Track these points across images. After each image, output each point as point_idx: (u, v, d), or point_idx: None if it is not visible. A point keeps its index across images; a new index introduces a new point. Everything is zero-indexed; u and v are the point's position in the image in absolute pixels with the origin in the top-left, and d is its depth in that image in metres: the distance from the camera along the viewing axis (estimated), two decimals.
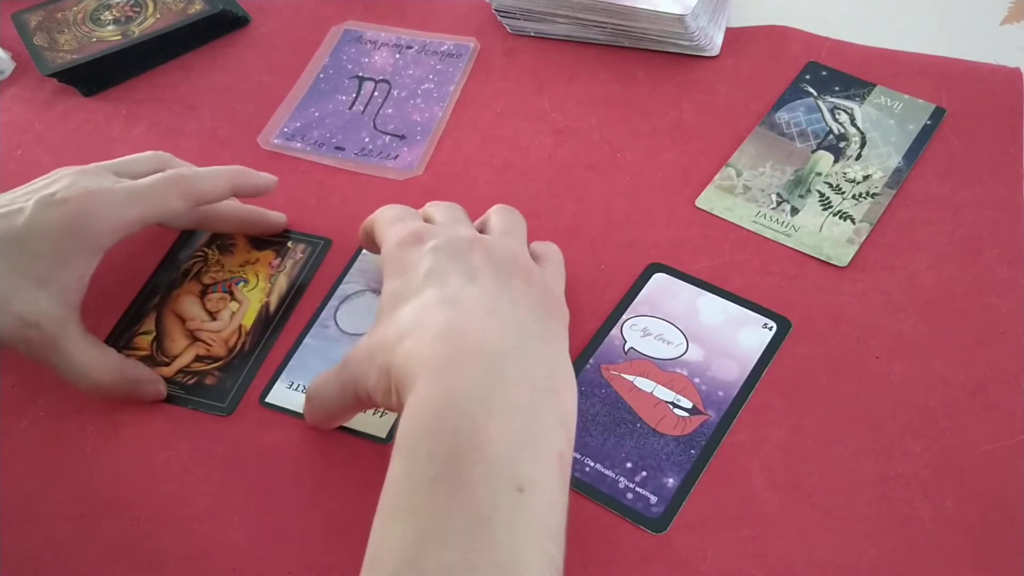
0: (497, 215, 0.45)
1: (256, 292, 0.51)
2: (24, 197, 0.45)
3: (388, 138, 0.57)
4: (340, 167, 0.56)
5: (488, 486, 0.32)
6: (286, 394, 0.46)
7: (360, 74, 0.61)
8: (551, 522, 0.33)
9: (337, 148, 0.57)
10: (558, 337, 0.39)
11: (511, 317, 0.37)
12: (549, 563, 0.32)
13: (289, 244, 0.53)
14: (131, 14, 0.66)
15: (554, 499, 0.33)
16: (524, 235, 0.45)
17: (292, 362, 0.48)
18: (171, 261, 0.53)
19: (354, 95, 0.60)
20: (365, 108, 0.59)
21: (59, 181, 0.46)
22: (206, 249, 0.53)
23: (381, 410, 0.45)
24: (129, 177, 0.47)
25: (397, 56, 0.62)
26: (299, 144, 0.58)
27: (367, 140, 0.57)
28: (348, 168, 0.56)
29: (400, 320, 0.38)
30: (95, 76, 0.63)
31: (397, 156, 0.56)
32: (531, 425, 0.34)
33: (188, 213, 0.49)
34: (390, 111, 0.59)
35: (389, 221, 0.44)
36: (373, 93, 0.60)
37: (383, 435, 0.44)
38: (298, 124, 0.59)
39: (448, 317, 0.37)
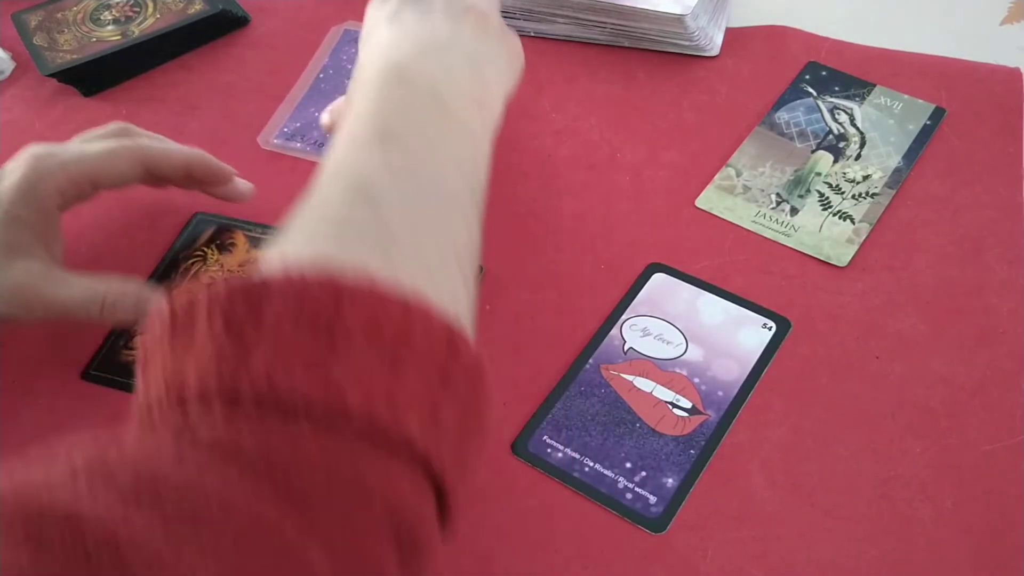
0: None
1: None
2: None
3: None
4: None
5: (419, 107, 0.37)
6: None
7: None
8: (469, 152, 0.38)
9: None
10: (496, 58, 0.44)
11: (446, 37, 0.42)
12: (468, 173, 0.37)
13: None
14: (131, 14, 0.66)
15: (473, 138, 0.39)
16: (497, 2, 0.48)
17: None
18: (171, 260, 0.53)
19: None
20: None
21: (16, 158, 0.47)
22: (205, 248, 0.53)
23: None
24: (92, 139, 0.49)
25: None
26: (299, 144, 0.58)
27: None
28: None
29: (361, 51, 0.43)
30: (95, 76, 0.63)
31: None
32: (453, 79, 0.40)
33: (141, 180, 0.50)
34: None
35: None
36: None
37: None
38: (298, 124, 0.59)
39: (392, 42, 0.41)
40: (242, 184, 0.53)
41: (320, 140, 0.58)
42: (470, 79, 0.41)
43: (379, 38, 0.43)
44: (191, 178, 0.51)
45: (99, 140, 0.50)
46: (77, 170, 0.47)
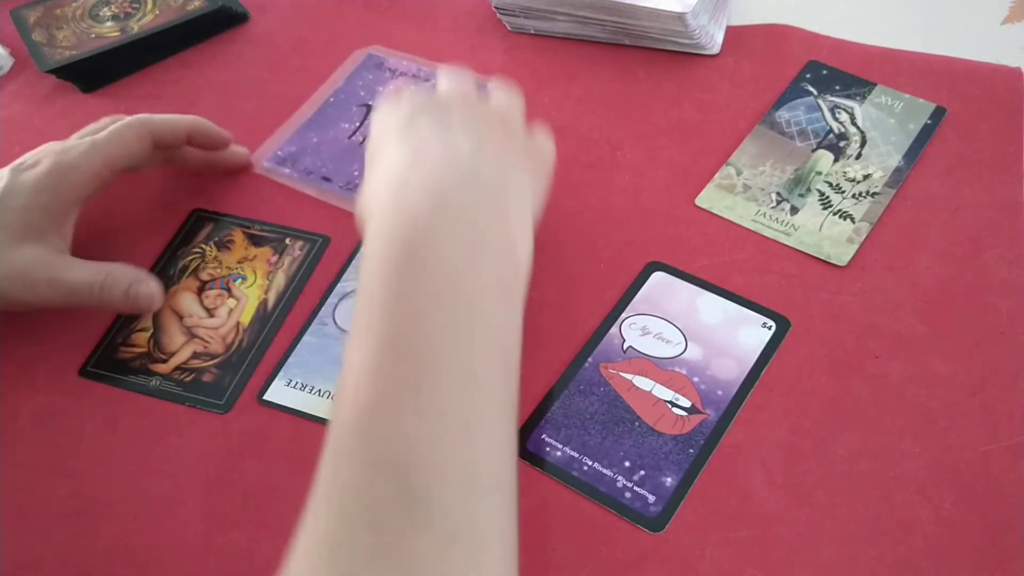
0: (496, 85, 0.48)
1: (254, 289, 0.51)
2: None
3: None
4: (322, 199, 0.54)
5: (437, 308, 0.35)
6: (284, 391, 0.46)
7: (370, 103, 0.59)
8: (502, 340, 0.35)
9: (324, 179, 0.55)
10: (523, 186, 0.41)
11: (468, 162, 0.40)
12: (501, 374, 0.34)
13: (287, 241, 0.53)
14: (130, 10, 0.66)
15: (504, 322, 0.36)
16: (520, 103, 0.47)
17: (290, 359, 0.47)
18: (169, 257, 0.53)
19: (358, 124, 0.58)
20: (364, 140, 0.57)
21: (29, 154, 0.50)
22: (204, 246, 0.53)
23: None
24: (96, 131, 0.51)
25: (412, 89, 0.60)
26: (287, 170, 0.56)
27: (356, 174, 0.55)
28: (330, 202, 0.54)
29: (367, 171, 0.43)
30: (94, 72, 0.63)
31: None
32: (474, 243, 0.37)
33: (151, 156, 0.52)
34: None
35: (389, 87, 0.48)
36: None
37: None
38: (292, 149, 0.57)
39: (405, 166, 0.40)
40: (237, 150, 0.56)
41: (310, 169, 0.55)
42: (496, 226, 0.38)
43: (389, 162, 0.41)
44: (193, 143, 0.54)
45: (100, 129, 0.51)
46: (97, 158, 0.49)
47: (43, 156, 0.49)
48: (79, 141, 0.50)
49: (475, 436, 0.32)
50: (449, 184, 0.39)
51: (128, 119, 0.51)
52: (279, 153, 0.57)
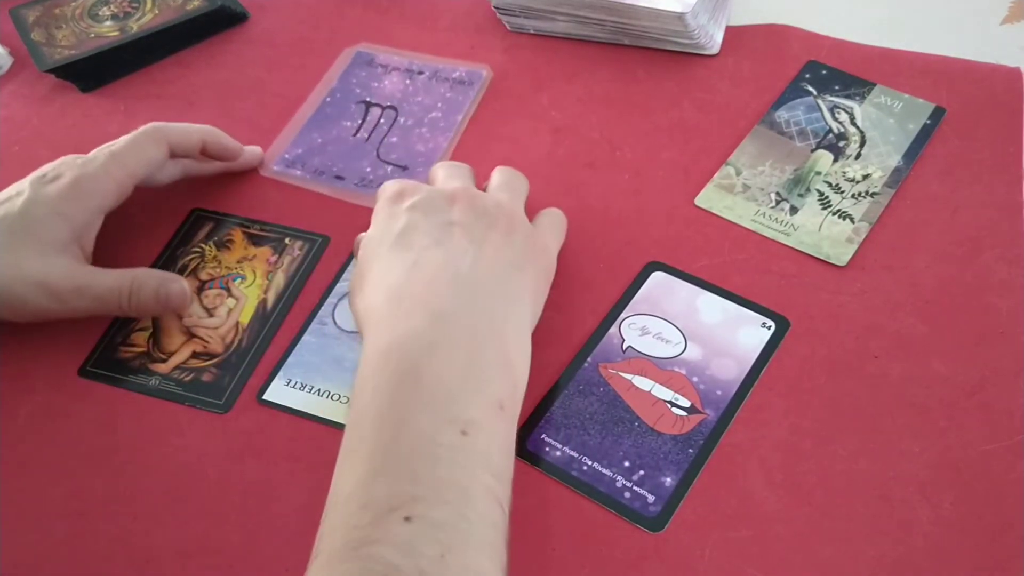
0: (498, 173, 0.48)
1: (253, 289, 0.51)
2: (19, 184, 0.49)
3: (390, 168, 0.55)
4: (337, 197, 0.54)
5: (431, 425, 0.34)
6: (284, 391, 0.46)
7: (368, 99, 0.59)
8: (495, 463, 0.35)
9: (337, 177, 0.55)
10: (523, 293, 0.41)
11: (468, 276, 0.40)
12: (493, 499, 0.34)
13: (287, 241, 0.53)
14: (129, 10, 0.66)
15: (500, 444, 0.36)
16: (522, 191, 0.47)
17: (290, 359, 0.47)
18: (168, 257, 0.53)
19: (360, 121, 0.58)
20: (369, 136, 0.57)
21: (48, 166, 0.50)
22: (203, 245, 0.53)
23: None
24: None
25: (408, 82, 0.60)
26: (299, 172, 0.56)
27: (368, 170, 0.55)
28: (346, 199, 0.54)
29: (365, 271, 0.42)
30: (93, 72, 0.63)
31: None
32: (471, 364, 0.37)
33: (168, 165, 0.53)
34: (394, 140, 0.57)
35: (390, 183, 0.47)
36: (379, 120, 0.58)
37: None
38: (299, 151, 0.57)
39: (404, 278, 0.40)
40: (250, 153, 0.56)
41: (320, 168, 0.56)
42: (494, 349, 0.38)
43: (387, 269, 0.41)
44: (206, 152, 0.54)
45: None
46: (117, 168, 0.49)
47: (64, 168, 0.49)
48: (97, 153, 0.50)
49: (464, 552, 0.32)
50: (448, 304, 0.39)
51: (143, 128, 0.52)
52: (287, 156, 0.57)
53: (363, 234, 0.46)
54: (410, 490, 0.33)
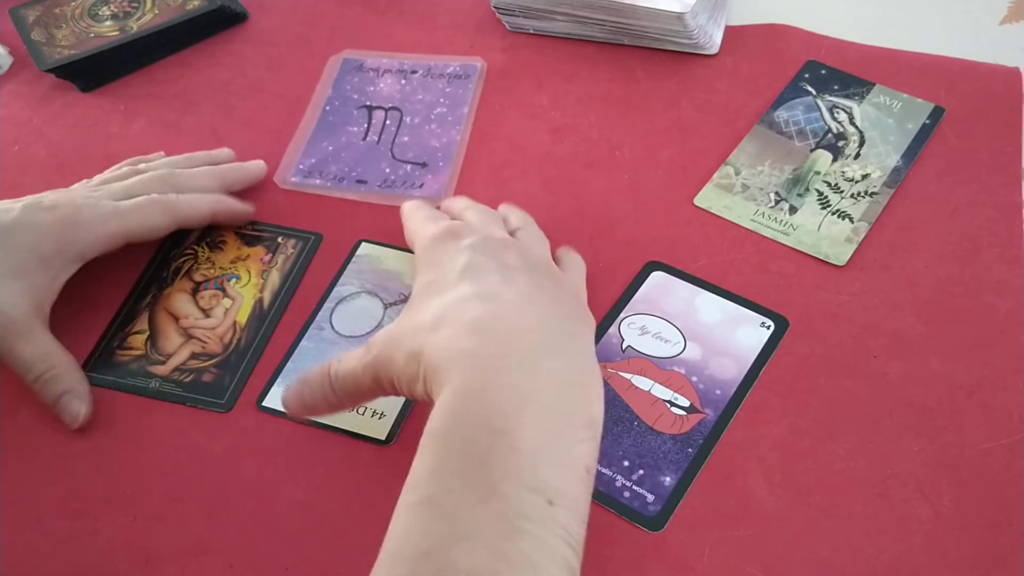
0: (518, 220, 0.48)
1: (249, 288, 0.51)
2: (16, 202, 0.48)
3: (409, 167, 0.55)
4: (365, 200, 0.54)
5: (519, 494, 0.32)
6: None
7: (368, 103, 0.59)
8: (574, 533, 0.33)
9: (359, 181, 0.55)
10: (586, 340, 0.39)
11: (546, 315, 0.38)
12: (570, 573, 0.32)
13: (280, 240, 0.53)
14: (129, 10, 0.66)
15: (579, 511, 0.33)
16: (548, 245, 0.47)
17: (288, 365, 0.47)
18: (161, 259, 0.53)
19: (365, 125, 0.58)
20: (380, 137, 0.57)
21: (51, 193, 0.49)
22: (196, 247, 0.53)
23: (380, 412, 0.45)
24: (121, 192, 0.50)
25: (403, 82, 0.60)
26: (318, 180, 0.55)
27: (388, 171, 0.55)
28: (373, 201, 0.54)
29: (434, 310, 0.38)
30: (93, 71, 0.63)
31: (423, 185, 0.54)
32: (562, 423, 0.34)
33: (170, 230, 0.51)
34: (406, 139, 0.57)
35: (423, 219, 0.46)
36: (385, 122, 0.58)
37: (382, 437, 0.44)
38: (313, 160, 0.57)
39: (485, 312, 0.37)
40: (255, 168, 0.55)
41: (339, 175, 0.56)
42: (581, 405, 0.35)
43: (462, 298, 0.37)
44: (215, 221, 0.53)
45: (129, 188, 0.51)
46: (115, 225, 0.48)
47: (63, 202, 0.48)
48: (104, 202, 0.49)
49: None
50: (541, 347, 0.36)
51: (156, 196, 0.50)
52: (301, 167, 0.56)
53: (403, 216, 0.46)
54: (492, 564, 0.30)
